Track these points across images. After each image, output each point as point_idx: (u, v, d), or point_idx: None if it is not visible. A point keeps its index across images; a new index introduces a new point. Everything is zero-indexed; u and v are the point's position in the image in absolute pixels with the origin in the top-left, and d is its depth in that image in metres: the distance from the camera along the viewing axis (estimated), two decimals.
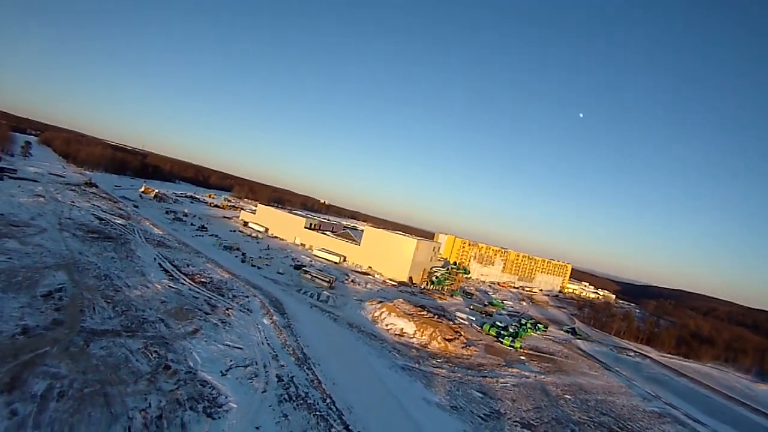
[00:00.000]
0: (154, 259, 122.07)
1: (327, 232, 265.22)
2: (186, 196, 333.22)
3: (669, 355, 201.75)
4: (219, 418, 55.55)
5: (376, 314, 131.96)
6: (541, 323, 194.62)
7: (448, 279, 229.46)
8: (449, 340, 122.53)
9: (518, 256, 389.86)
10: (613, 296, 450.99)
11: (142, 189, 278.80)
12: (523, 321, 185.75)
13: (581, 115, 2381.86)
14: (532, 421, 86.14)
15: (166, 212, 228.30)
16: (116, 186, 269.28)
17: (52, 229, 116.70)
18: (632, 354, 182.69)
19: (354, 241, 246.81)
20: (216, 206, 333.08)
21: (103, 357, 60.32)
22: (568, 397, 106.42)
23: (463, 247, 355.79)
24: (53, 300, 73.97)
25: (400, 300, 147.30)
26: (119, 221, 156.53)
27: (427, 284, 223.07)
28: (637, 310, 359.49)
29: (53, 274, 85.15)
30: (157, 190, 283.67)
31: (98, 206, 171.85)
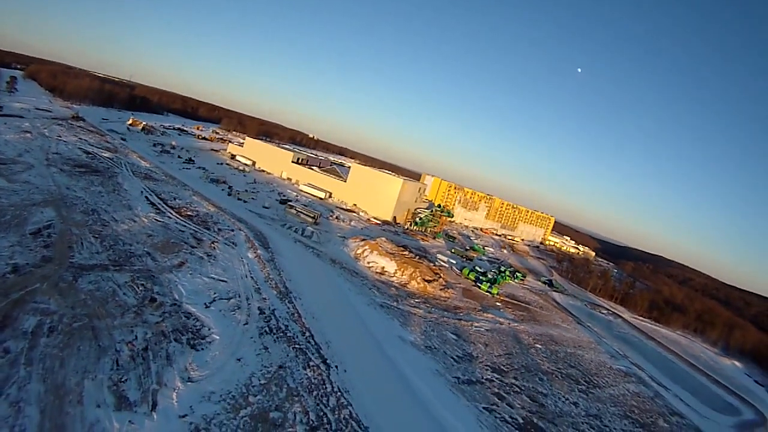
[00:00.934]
0: (141, 192, 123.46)
1: (314, 168, 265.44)
2: (174, 129, 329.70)
3: (641, 318, 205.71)
4: (202, 349, 58.91)
5: (359, 252, 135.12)
6: (519, 272, 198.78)
7: (431, 221, 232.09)
8: (428, 281, 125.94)
9: (503, 204, 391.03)
10: (593, 253, 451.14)
11: (130, 121, 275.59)
12: (502, 268, 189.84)
13: (579, 70, 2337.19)
14: (502, 367, 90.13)
15: (154, 145, 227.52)
16: (103, 119, 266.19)
17: (39, 165, 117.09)
18: (605, 312, 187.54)
19: (340, 177, 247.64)
20: (204, 138, 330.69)
21: (91, 291, 62.91)
22: (539, 346, 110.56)
23: (449, 190, 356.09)
24: (42, 237, 75.67)
25: (383, 239, 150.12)
26: (106, 155, 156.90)
27: (410, 225, 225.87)
28: (615, 270, 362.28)
29: (41, 210, 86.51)
30: (144, 123, 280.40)
31: (85, 140, 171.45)
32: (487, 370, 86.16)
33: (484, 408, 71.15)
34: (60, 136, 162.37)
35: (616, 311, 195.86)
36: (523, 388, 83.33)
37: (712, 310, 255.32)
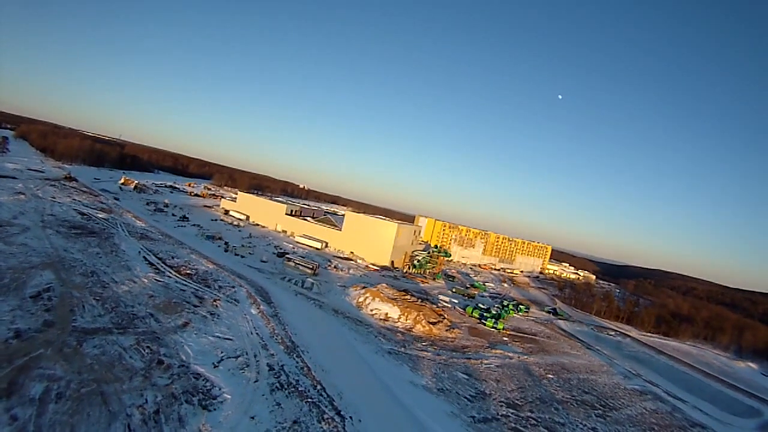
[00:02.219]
0: (139, 252, 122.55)
1: (308, 218, 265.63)
2: (166, 186, 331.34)
3: (649, 334, 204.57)
4: (214, 409, 57.42)
5: (361, 300, 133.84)
6: (522, 304, 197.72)
7: (429, 262, 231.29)
8: (433, 324, 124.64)
9: (498, 238, 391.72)
10: (593, 276, 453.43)
11: (122, 181, 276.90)
12: (505, 302, 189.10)
13: (560, 96, 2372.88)
14: (516, 401, 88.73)
15: (147, 203, 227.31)
16: (95, 179, 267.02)
17: (35, 227, 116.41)
18: (613, 333, 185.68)
19: (335, 226, 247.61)
20: (196, 195, 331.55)
21: (96, 356, 61.51)
22: (551, 376, 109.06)
23: (444, 229, 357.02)
24: (42, 301, 74.52)
25: (384, 285, 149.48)
26: (101, 215, 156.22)
27: (408, 268, 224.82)
28: (617, 290, 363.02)
29: (40, 273, 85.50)
30: (136, 181, 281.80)
31: (79, 201, 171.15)
32: (501, 406, 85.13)
33: None
34: (54, 198, 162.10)
35: (623, 331, 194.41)
36: (539, 420, 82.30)
37: (720, 316, 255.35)
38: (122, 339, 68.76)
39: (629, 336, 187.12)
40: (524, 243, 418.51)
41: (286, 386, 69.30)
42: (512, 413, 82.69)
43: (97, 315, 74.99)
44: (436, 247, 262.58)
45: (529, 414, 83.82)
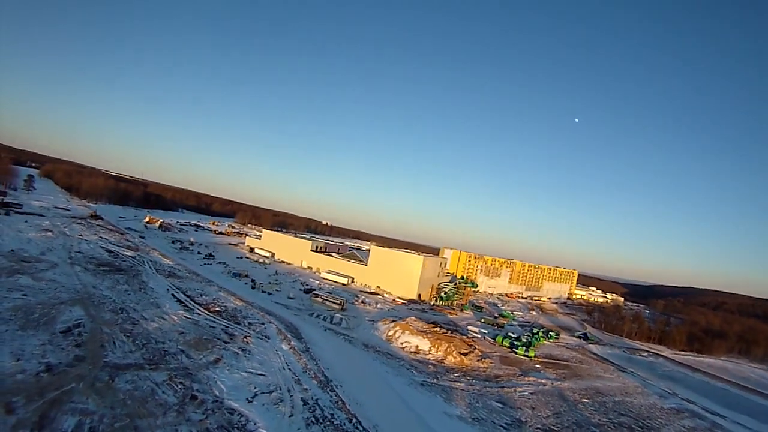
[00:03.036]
0: (167, 289, 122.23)
1: (333, 254, 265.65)
2: (190, 225, 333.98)
3: (682, 353, 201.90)
4: None
5: (390, 333, 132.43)
6: (552, 331, 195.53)
7: (456, 294, 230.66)
8: (464, 354, 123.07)
9: (524, 266, 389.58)
10: (622, 299, 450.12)
11: (147, 219, 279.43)
12: (535, 330, 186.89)
13: (576, 120, 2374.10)
14: (553, 427, 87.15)
15: (173, 242, 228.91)
16: (120, 217, 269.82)
17: (63, 263, 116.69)
18: (645, 354, 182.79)
19: (361, 261, 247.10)
20: (221, 233, 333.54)
21: (129, 391, 60.40)
22: (586, 401, 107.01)
23: (469, 260, 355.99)
24: (73, 336, 74.01)
25: (413, 318, 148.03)
26: (128, 253, 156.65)
27: (436, 300, 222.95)
28: (647, 311, 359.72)
29: (69, 309, 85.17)
30: (161, 220, 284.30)
31: (106, 239, 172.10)
32: None
33: None
34: (81, 235, 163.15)
35: (656, 351, 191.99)
36: None
37: (753, 328, 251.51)
38: (154, 375, 67.67)
39: (662, 356, 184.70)
40: (550, 269, 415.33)
41: (321, 420, 67.89)
42: None
43: (128, 351, 74.17)
44: (462, 278, 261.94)
45: None
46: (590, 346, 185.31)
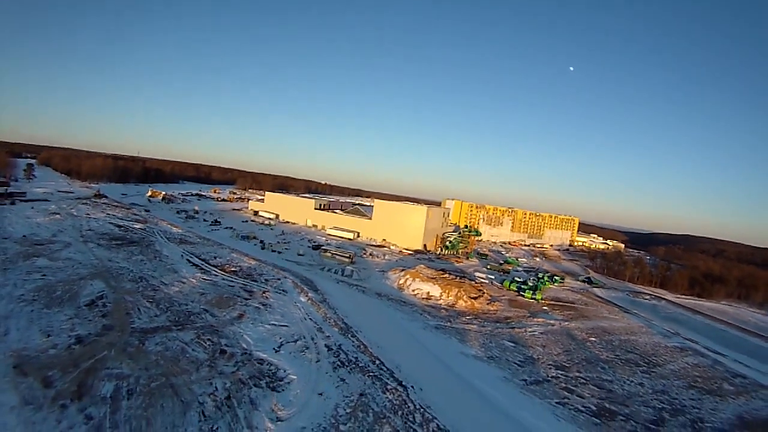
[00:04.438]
0: (182, 255, 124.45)
1: (337, 211, 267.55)
2: (192, 195, 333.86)
3: (683, 296, 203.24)
4: (283, 390, 58.74)
5: (401, 282, 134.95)
6: (557, 275, 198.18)
7: (461, 243, 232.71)
8: (474, 298, 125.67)
9: (525, 214, 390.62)
10: (622, 245, 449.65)
11: (149, 193, 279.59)
12: (540, 275, 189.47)
13: (571, 68, 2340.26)
14: (564, 363, 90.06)
15: (177, 212, 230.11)
16: (123, 194, 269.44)
17: (76, 242, 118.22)
18: (648, 297, 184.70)
19: (365, 216, 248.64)
20: (223, 200, 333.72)
21: (160, 352, 62.95)
22: (594, 339, 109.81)
23: (471, 210, 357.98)
24: (97, 307, 76.06)
25: (422, 266, 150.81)
26: (137, 226, 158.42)
27: (441, 250, 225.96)
28: (648, 257, 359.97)
29: (90, 283, 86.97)
30: (163, 193, 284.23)
31: (113, 215, 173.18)
32: (550, 368, 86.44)
33: (557, 403, 71.23)
34: (88, 214, 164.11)
35: (658, 295, 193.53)
36: (588, 378, 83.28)
37: (752, 275, 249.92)
38: (182, 334, 70.25)
39: (664, 299, 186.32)
40: (551, 217, 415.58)
41: (346, 364, 70.92)
42: (561, 374, 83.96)
43: (154, 315, 76.55)
44: (466, 227, 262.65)
45: (577, 374, 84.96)
46: (594, 289, 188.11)
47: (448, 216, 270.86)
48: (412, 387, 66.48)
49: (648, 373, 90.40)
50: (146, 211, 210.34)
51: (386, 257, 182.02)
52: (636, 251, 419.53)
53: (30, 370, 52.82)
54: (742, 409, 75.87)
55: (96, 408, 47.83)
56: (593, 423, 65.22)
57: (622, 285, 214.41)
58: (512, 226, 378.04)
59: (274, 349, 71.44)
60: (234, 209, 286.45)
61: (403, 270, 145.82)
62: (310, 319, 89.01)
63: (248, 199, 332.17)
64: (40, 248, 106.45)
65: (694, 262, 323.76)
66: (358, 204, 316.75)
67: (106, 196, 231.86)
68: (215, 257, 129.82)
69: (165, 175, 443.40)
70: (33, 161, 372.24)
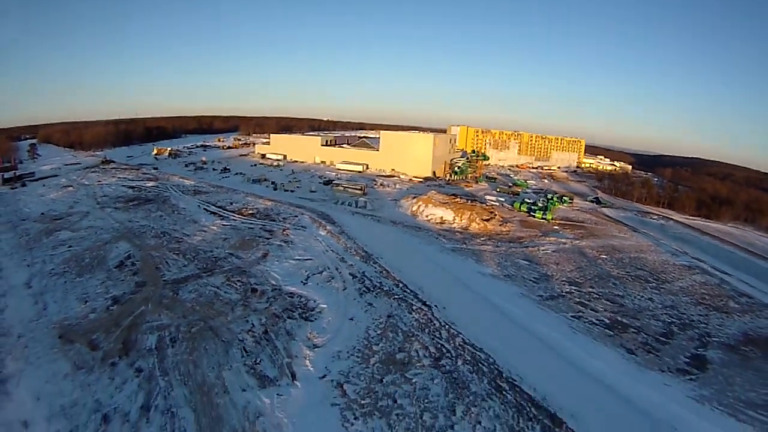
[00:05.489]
0: (198, 206, 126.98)
1: (344, 146, 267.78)
2: (197, 146, 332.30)
3: (691, 217, 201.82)
4: (315, 319, 62.37)
5: (414, 208, 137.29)
6: (566, 196, 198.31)
7: (469, 168, 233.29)
8: (487, 220, 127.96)
9: (531, 137, 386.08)
10: (630, 167, 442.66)
11: (155, 151, 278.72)
12: (549, 196, 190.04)
13: None
14: (577, 279, 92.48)
15: (186, 165, 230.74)
16: (129, 156, 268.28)
17: (93, 210, 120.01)
18: (656, 217, 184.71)
19: (372, 148, 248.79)
20: (229, 148, 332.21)
21: (194, 299, 66.13)
22: (604, 257, 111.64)
23: (477, 135, 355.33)
24: (127, 267, 78.84)
25: (433, 191, 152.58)
26: (150, 184, 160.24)
27: (450, 176, 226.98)
28: (655, 178, 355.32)
29: (115, 246, 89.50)
30: (169, 149, 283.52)
31: (124, 177, 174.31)
32: (564, 284, 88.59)
33: (572, 317, 73.45)
34: (100, 181, 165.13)
35: (666, 215, 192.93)
36: (600, 294, 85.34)
37: (759, 199, 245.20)
38: (212, 279, 73.32)
39: (672, 219, 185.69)
40: (557, 139, 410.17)
41: (371, 289, 74.23)
42: (575, 290, 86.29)
43: (182, 266, 79.41)
44: (473, 151, 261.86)
45: (590, 290, 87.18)
46: (603, 209, 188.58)
47: (455, 142, 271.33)
48: (436, 306, 69.70)
49: (657, 289, 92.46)
50: (155, 168, 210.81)
51: (397, 186, 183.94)
52: (643, 172, 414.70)
53: (75, 337, 55.55)
54: (747, 326, 77.23)
55: (144, 360, 50.90)
56: (607, 335, 67.55)
57: (630, 205, 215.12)
58: (519, 150, 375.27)
59: (301, 282, 74.92)
60: (241, 155, 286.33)
61: (414, 197, 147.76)
62: (332, 250, 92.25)
63: (254, 144, 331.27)
64: (60, 222, 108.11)
65: (702, 184, 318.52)
66: (364, 137, 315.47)
67: (113, 161, 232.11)
68: (231, 203, 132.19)
69: (167, 132, 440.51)
70: (34, 141, 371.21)
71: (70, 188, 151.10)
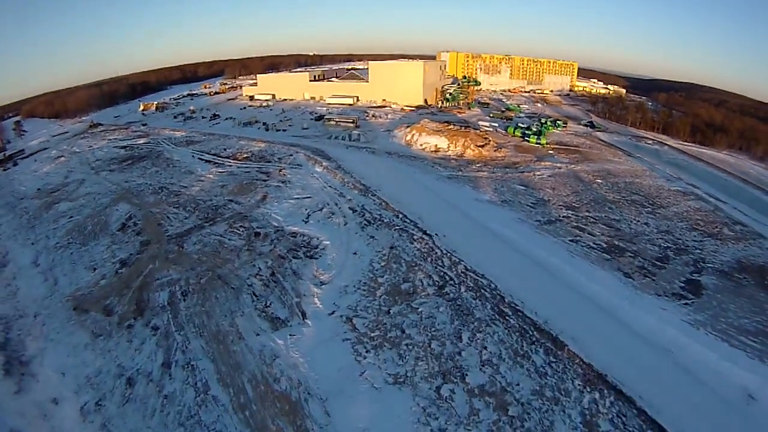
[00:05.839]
0: (192, 156, 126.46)
1: (333, 79, 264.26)
2: (184, 96, 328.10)
3: (685, 143, 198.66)
4: (320, 256, 63.58)
5: (408, 138, 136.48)
6: (559, 120, 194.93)
7: (461, 94, 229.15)
8: (481, 146, 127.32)
9: (523, 60, 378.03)
10: (624, 91, 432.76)
11: (142, 107, 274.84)
12: (543, 120, 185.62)
13: None
14: (573, 204, 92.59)
15: (174, 117, 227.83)
16: (116, 117, 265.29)
17: (88, 176, 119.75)
18: (650, 142, 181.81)
19: (362, 79, 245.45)
20: (216, 93, 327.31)
21: (200, 250, 67.22)
22: (600, 181, 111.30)
23: (467, 60, 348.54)
24: (130, 228, 79.79)
25: (426, 120, 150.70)
26: (141, 141, 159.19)
27: (442, 103, 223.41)
28: (649, 103, 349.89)
29: (115, 209, 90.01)
30: (155, 103, 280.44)
31: (114, 139, 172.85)
32: (561, 209, 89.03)
33: (570, 241, 73.97)
34: (91, 146, 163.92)
35: (660, 140, 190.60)
36: (597, 218, 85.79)
37: (753, 128, 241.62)
38: (215, 228, 74.25)
39: (667, 144, 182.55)
40: (550, 62, 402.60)
41: (372, 222, 74.72)
42: (572, 214, 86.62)
43: (184, 218, 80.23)
44: (464, 77, 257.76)
45: (587, 214, 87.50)
46: (597, 133, 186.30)
47: (445, 69, 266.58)
48: (436, 235, 70.13)
49: (653, 213, 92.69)
50: (144, 125, 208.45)
51: (389, 117, 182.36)
52: (637, 96, 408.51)
53: (89, 305, 56.75)
54: (741, 254, 77.17)
55: (158, 318, 52.35)
56: (604, 258, 68.07)
57: (624, 129, 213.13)
58: (511, 74, 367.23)
59: (302, 220, 75.66)
60: (229, 99, 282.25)
61: (408, 126, 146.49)
62: (330, 186, 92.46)
63: (241, 87, 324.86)
64: (57, 194, 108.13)
65: (696, 110, 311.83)
66: (353, 69, 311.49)
67: (101, 124, 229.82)
68: (225, 149, 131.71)
69: (152, 86, 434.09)
70: (18, 118, 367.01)
71: (62, 158, 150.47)
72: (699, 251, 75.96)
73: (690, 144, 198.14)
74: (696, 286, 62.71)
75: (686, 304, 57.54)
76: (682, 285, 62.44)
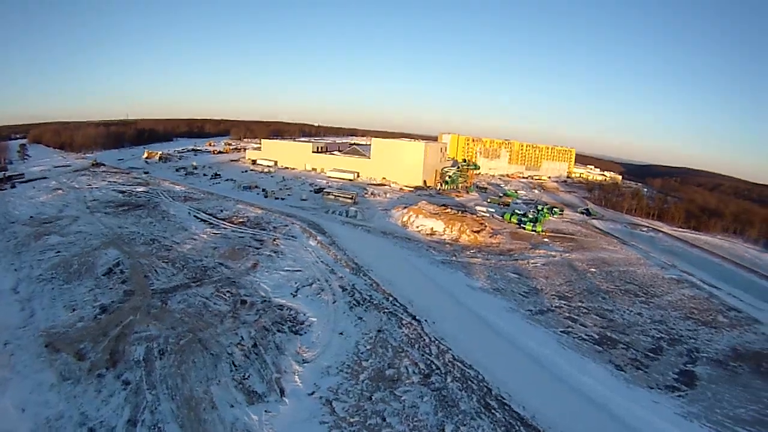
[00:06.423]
0: (188, 212, 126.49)
1: (335, 153, 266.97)
2: (188, 151, 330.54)
3: (680, 229, 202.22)
4: (305, 333, 62.36)
5: (405, 219, 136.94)
6: (556, 207, 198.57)
7: (460, 177, 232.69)
8: (477, 232, 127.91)
9: (522, 146, 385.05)
10: (620, 177, 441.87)
11: (146, 155, 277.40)
12: (540, 207, 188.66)
13: None
14: (566, 293, 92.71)
15: (177, 170, 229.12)
16: (119, 159, 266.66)
17: (83, 214, 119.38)
18: (645, 229, 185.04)
19: (363, 155, 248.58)
20: (220, 152, 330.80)
21: (183, 309, 65.88)
22: (594, 270, 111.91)
23: (468, 143, 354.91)
24: (116, 275, 78.46)
25: (424, 202, 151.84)
26: (140, 189, 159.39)
27: (441, 185, 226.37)
28: (645, 189, 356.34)
29: (104, 252, 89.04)
30: (159, 152, 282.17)
31: (114, 181, 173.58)
32: (554, 298, 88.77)
33: (561, 332, 73.53)
34: (90, 185, 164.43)
35: (655, 227, 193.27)
36: (590, 308, 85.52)
37: (748, 210, 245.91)
38: (201, 290, 73.04)
39: (661, 231, 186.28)
40: (548, 148, 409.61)
41: (361, 302, 73.99)
42: (564, 304, 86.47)
43: (171, 275, 79.17)
44: (464, 160, 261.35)
45: (579, 304, 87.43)
46: (593, 221, 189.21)
47: (446, 151, 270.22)
48: (426, 321, 69.61)
49: (646, 303, 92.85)
50: (145, 173, 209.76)
51: (387, 195, 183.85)
52: (633, 183, 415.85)
53: (62, 346, 55.10)
54: (736, 341, 77.77)
55: (131, 372, 50.54)
56: (596, 350, 67.77)
57: (619, 216, 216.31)
58: (510, 159, 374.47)
59: (291, 294, 74.67)
60: (232, 160, 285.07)
61: (405, 207, 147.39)
62: (322, 261, 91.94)
63: (245, 149, 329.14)
64: (49, 226, 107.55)
65: (691, 195, 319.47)
66: (355, 144, 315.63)
67: (103, 164, 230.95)
68: (222, 210, 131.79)
69: (158, 135, 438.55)
70: (24, 141, 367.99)
71: (60, 191, 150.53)
72: (693, 340, 75.83)
73: (685, 230, 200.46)
74: (690, 377, 62.30)
75: (680, 395, 57.11)
76: (676, 376, 62.06)
